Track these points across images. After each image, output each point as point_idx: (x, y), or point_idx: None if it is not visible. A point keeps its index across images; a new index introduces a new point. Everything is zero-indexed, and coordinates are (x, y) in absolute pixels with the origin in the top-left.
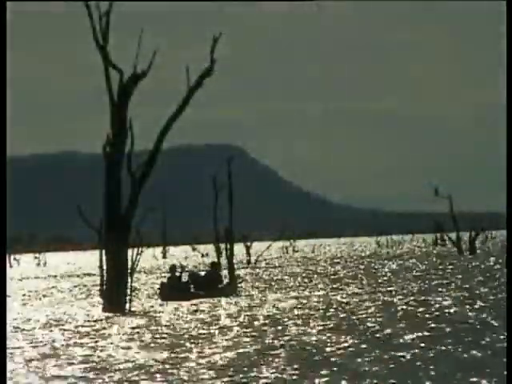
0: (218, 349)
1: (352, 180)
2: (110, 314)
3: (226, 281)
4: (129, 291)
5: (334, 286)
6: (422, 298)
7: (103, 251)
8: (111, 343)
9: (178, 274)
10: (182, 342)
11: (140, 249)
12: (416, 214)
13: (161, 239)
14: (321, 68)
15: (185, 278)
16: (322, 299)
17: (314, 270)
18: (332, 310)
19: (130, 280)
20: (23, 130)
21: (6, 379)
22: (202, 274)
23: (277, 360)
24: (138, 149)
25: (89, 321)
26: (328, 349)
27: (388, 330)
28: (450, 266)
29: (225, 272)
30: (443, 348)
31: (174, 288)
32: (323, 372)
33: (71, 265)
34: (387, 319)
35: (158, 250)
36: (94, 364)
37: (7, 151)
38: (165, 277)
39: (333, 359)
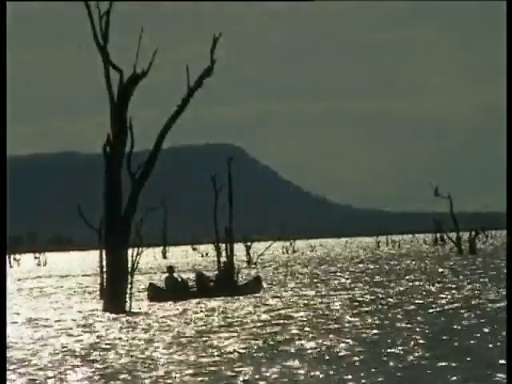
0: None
1: (352, 180)
2: (110, 314)
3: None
4: (129, 291)
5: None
6: None
7: (103, 251)
8: (111, 342)
9: (175, 274)
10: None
11: (140, 249)
12: (416, 213)
13: (161, 239)
14: (321, 68)
15: (190, 277)
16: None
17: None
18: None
19: (130, 280)
20: (23, 129)
21: (5, 379)
22: (209, 274)
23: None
24: (138, 149)
25: (89, 320)
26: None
27: None
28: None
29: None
30: None
31: (172, 288)
32: None
33: (71, 265)
34: None
35: (158, 250)
36: (95, 362)
37: (7, 151)
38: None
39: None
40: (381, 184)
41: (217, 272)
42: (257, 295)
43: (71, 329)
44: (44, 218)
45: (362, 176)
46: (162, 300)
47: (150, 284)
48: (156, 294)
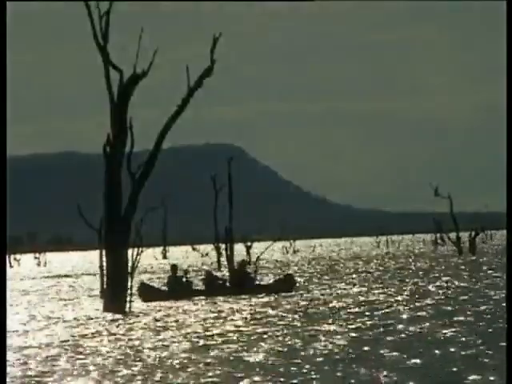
0: None
1: (352, 180)
2: (111, 314)
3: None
4: (129, 291)
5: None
6: None
7: (103, 251)
8: (110, 342)
9: (179, 274)
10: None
11: (140, 249)
12: (416, 213)
13: (161, 239)
14: (321, 68)
15: (193, 277)
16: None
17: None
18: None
19: (130, 280)
20: (23, 129)
21: (5, 379)
22: (217, 273)
23: None
24: (138, 149)
25: (89, 320)
26: None
27: None
28: None
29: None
30: None
31: (173, 288)
32: None
33: (71, 265)
34: None
35: (158, 250)
36: (96, 364)
37: (7, 151)
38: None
39: None
40: (381, 184)
41: (229, 271)
42: (282, 294)
43: (71, 329)
44: (44, 217)
45: (362, 176)
46: (154, 299)
47: (142, 284)
48: (148, 293)
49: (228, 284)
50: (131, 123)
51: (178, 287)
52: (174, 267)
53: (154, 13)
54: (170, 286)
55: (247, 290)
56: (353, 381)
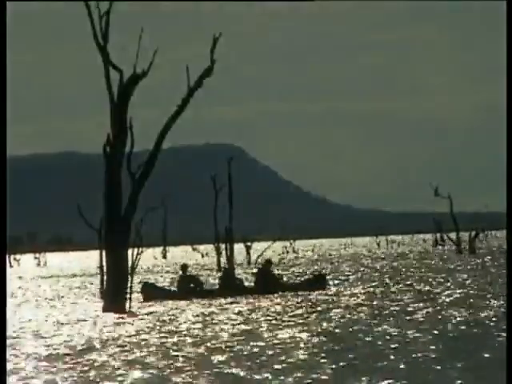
0: None
1: (352, 180)
2: (110, 314)
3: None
4: (129, 291)
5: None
6: None
7: (103, 251)
8: (109, 342)
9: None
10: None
11: (140, 249)
12: (416, 213)
13: (161, 239)
14: (321, 68)
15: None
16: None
17: None
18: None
19: (130, 280)
20: (23, 129)
21: (5, 379)
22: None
23: None
24: (138, 149)
25: (89, 320)
26: None
27: None
28: None
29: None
30: None
31: (182, 288)
32: None
33: (71, 265)
34: None
35: (158, 250)
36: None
37: (7, 151)
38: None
39: None
40: (381, 184)
41: (255, 270)
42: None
43: (70, 329)
44: (44, 217)
45: (362, 176)
46: (158, 299)
47: (145, 283)
48: (151, 293)
49: (253, 284)
50: (131, 123)
51: (189, 287)
52: (184, 266)
53: (154, 13)
54: (181, 285)
55: (273, 290)
56: None
